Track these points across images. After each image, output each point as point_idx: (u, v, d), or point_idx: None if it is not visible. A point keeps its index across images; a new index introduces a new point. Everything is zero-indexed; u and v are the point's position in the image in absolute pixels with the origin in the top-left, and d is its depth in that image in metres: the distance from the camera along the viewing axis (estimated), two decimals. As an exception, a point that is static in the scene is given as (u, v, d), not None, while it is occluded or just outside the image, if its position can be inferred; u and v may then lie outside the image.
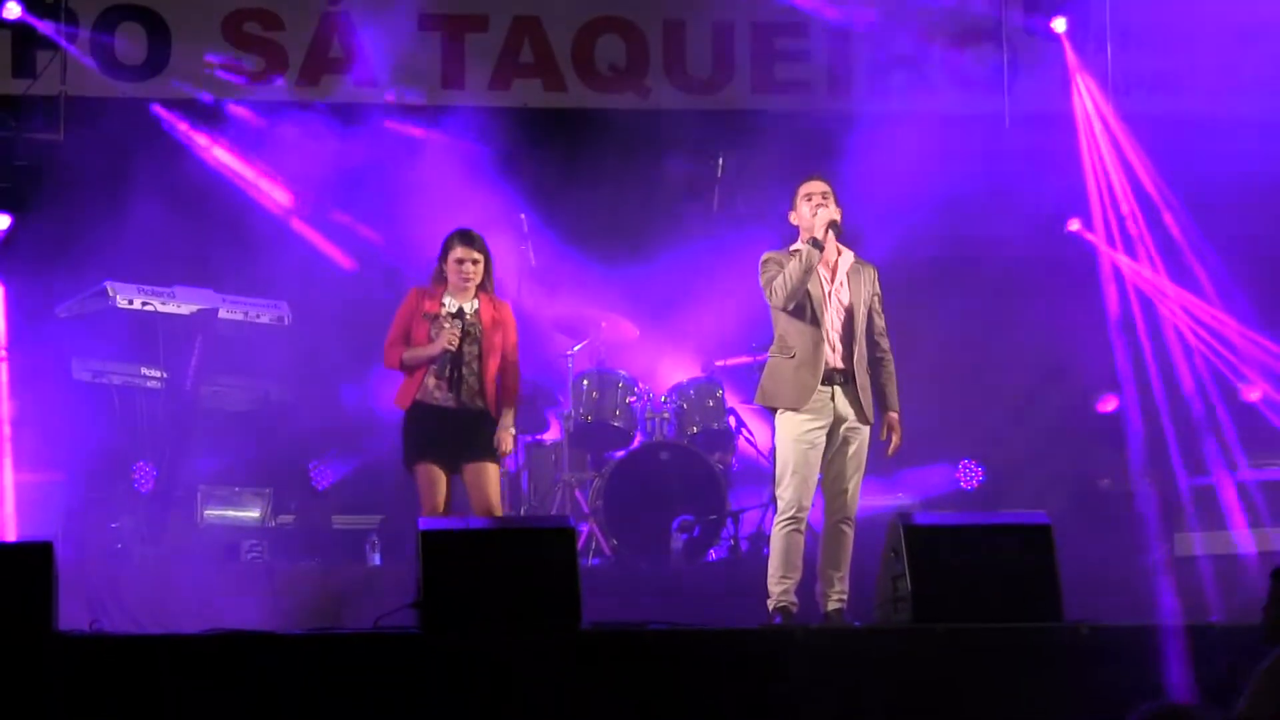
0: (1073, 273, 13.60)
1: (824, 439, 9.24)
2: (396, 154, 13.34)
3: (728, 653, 7.97)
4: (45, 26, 13.13)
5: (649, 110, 13.91)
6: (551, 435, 12.78)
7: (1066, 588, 8.51)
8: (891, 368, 9.52)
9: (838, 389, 9.27)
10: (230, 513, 12.41)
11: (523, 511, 12.40)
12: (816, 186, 9.47)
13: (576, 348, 12.75)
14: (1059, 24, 13.77)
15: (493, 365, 9.85)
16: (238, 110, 13.44)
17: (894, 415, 9.46)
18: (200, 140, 13.29)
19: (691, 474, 12.11)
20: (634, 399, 12.55)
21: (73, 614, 8.40)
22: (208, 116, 13.38)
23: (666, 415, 12.55)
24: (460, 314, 9.83)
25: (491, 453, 9.84)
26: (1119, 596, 10.76)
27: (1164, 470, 12.58)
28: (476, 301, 9.90)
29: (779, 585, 9.18)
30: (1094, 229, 13.59)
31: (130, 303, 11.73)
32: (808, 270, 9.21)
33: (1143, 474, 12.88)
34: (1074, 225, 13.67)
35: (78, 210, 13.03)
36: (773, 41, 14.08)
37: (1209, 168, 13.13)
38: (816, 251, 9.25)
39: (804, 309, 9.28)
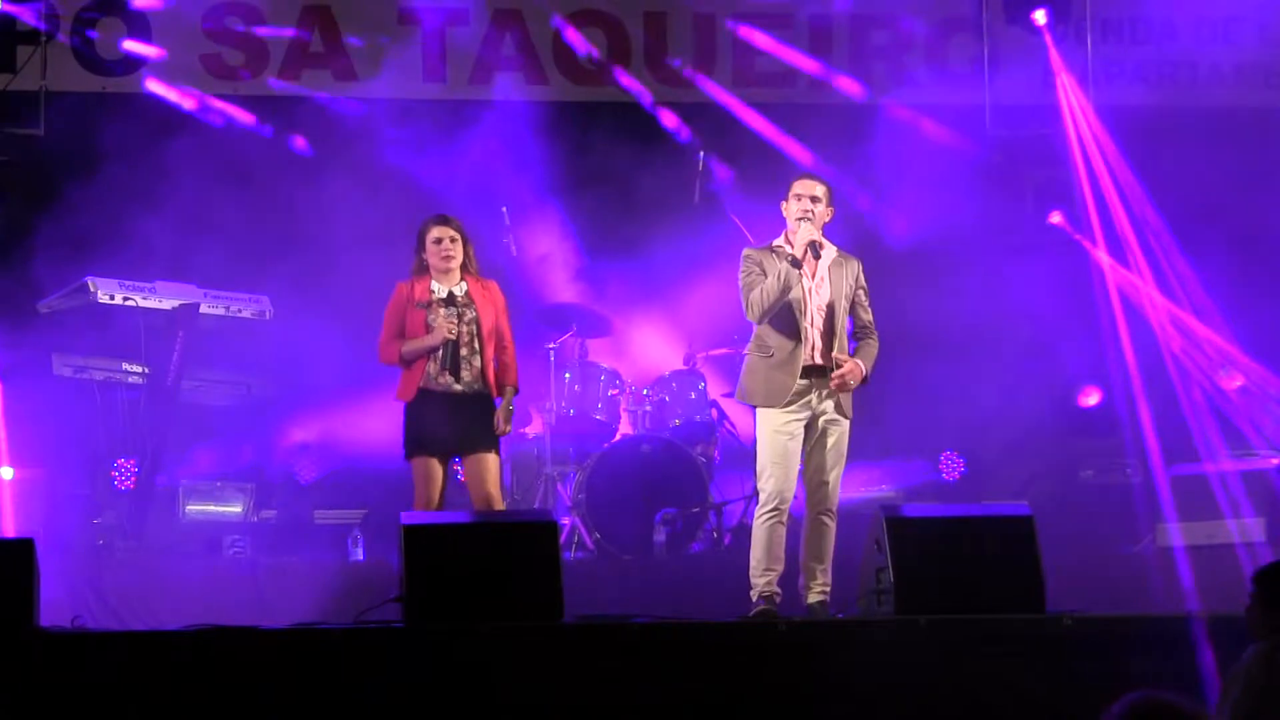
0: (1054, 265, 13.62)
1: (803, 430, 9.26)
2: (380, 148, 13.32)
3: (711, 645, 7.98)
4: (26, 13, 13.10)
5: (629, 103, 13.91)
6: (533, 429, 12.77)
7: (1049, 578, 8.52)
8: (873, 349, 9.49)
9: (817, 381, 9.28)
10: (212, 508, 12.39)
11: (506, 505, 12.39)
12: (808, 187, 9.45)
13: (558, 341, 12.74)
14: (1040, 16, 13.77)
15: (490, 345, 9.89)
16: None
17: (856, 360, 9.39)
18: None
19: (674, 467, 12.11)
20: (616, 392, 12.55)
21: (55, 610, 8.39)
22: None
23: (648, 408, 12.55)
24: (451, 298, 9.86)
25: (491, 443, 9.85)
26: (1101, 587, 10.78)
27: (1145, 461, 12.60)
28: (464, 284, 9.94)
29: (762, 577, 9.20)
30: (1075, 222, 13.61)
31: (111, 298, 11.70)
32: (785, 290, 9.21)
33: (1124, 464, 12.91)
34: (1055, 218, 13.69)
35: (58, 205, 13.00)
36: (753, 34, 14.08)
37: (1189, 159, 13.16)
38: (795, 271, 9.25)
39: (783, 310, 9.29)
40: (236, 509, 12.47)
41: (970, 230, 13.37)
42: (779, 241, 9.43)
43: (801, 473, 9.33)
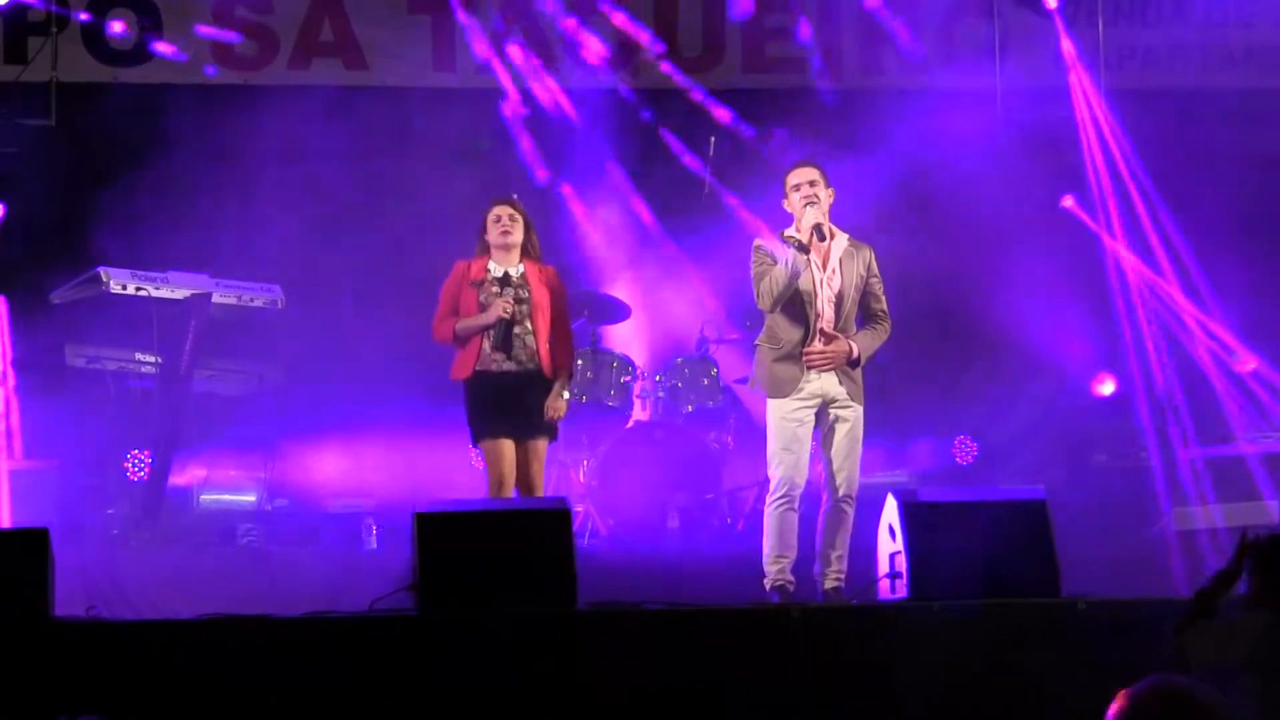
0: (1068, 249, 13.60)
1: (812, 417, 9.25)
2: (391, 135, 13.31)
3: (724, 632, 7.97)
4: (36, 2, 13.12)
5: (640, 90, 13.89)
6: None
7: (1063, 563, 8.51)
8: (879, 334, 9.46)
9: (827, 370, 9.26)
10: (226, 497, 12.41)
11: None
12: (805, 174, 9.45)
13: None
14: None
15: (543, 326, 9.90)
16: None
17: (850, 343, 9.35)
18: None
19: (687, 453, 12.11)
20: (629, 378, 12.55)
21: (70, 600, 8.39)
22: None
23: (661, 394, 12.55)
24: (506, 279, 9.89)
25: (546, 428, 9.88)
26: (1116, 571, 10.76)
27: (1161, 444, 12.59)
28: (522, 266, 9.97)
29: (774, 564, 9.20)
30: (1087, 206, 13.60)
31: (124, 288, 11.69)
32: (794, 276, 9.20)
33: (1140, 448, 12.89)
34: (1068, 202, 13.67)
35: (70, 196, 13.01)
36: (763, 20, 14.06)
37: (1201, 141, 13.14)
38: (803, 257, 9.24)
39: (794, 301, 9.28)
40: (250, 498, 12.48)
41: (983, 214, 13.35)
42: (789, 231, 9.42)
43: (819, 460, 9.34)
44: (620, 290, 13.32)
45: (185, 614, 8.05)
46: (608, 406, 12.46)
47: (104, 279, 11.64)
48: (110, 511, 11.73)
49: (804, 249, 9.25)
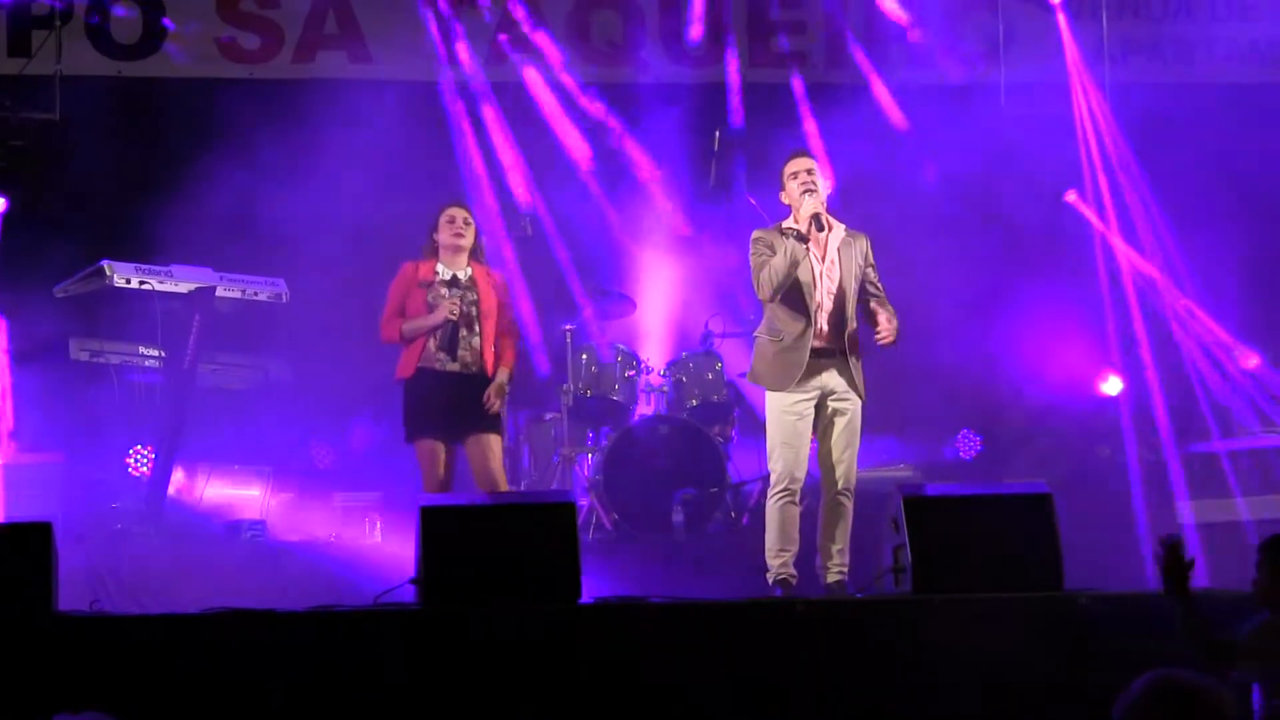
0: (1071, 243, 13.61)
1: (812, 410, 9.25)
2: (393, 131, 13.32)
3: (729, 625, 7.96)
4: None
5: (646, 84, 13.91)
6: (551, 410, 12.78)
7: (1066, 556, 8.50)
8: (888, 309, 9.42)
9: (826, 362, 9.26)
10: (230, 491, 12.42)
11: (522, 486, 12.41)
12: (801, 164, 9.46)
13: (575, 322, 12.75)
14: (1055, -7, 13.78)
15: (490, 331, 9.93)
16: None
17: (889, 317, 9.29)
18: None
19: (691, 447, 12.11)
20: (633, 373, 12.55)
21: (73, 594, 8.40)
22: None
23: (665, 388, 12.56)
24: (455, 281, 9.91)
25: (491, 423, 9.89)
26: (1119, 565, 10.77)
27: (1162, 439, 12.59)
28: (470, 269, 10.00)
29: (777, 558, 9.20)
30: (1089, 201, 13.61)
31: (128, 282, 11.68)
32: (793, 265, 9.19)
33: (1141, 442, 12.89)
34: (1071, 196, 13.67)
35: (74, 190, 13.01)
36: (767, 14, 14.07)
37: (1203, 134, 13.15)
38: (801, 246, 9.24)
39: (793, 293, 9.27)
40: (254, 492, 12.50)
41: (986, 208, 13.35)
42: (787, 223, 9.41)
43: (817, 455, 9.33)
44: (624, 285, 13.33)
45: (188, 608, 8.04)
46: (612, 401, 12.46)
47: (108, 273, 11.64)
48: (114, 506, 11.73)
49: (803, 239, 9.25)
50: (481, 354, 9.93)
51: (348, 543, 11.82)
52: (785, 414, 9.22)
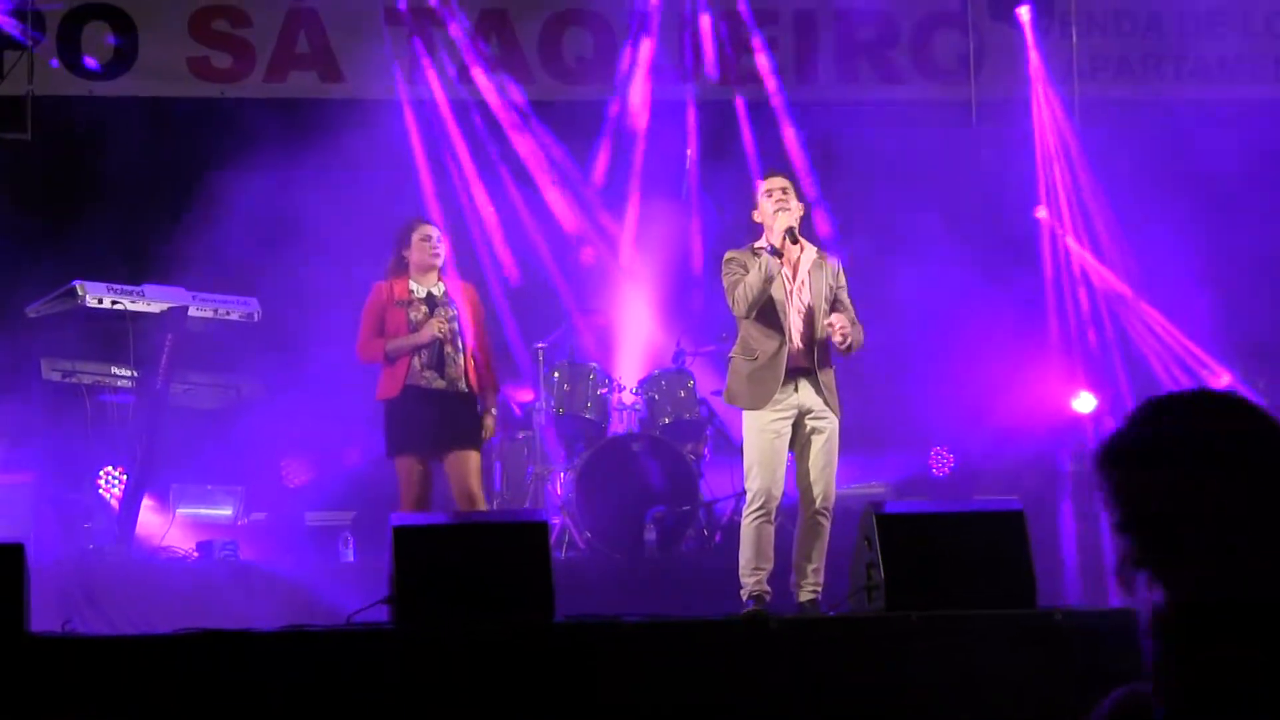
0: (1043, 259, 13.65)
1: (789, 428, 9.25)
2: (369, 149, 13.32)
3: (702, 644, 7.96)
4: (9, 24, 13.11)
5: (617, 100, 13.91)
6: (523, 428, 12.78)
7: (1039, 574, 8.52)
8: (861, 330, 9.41)
9: (801, 380, 9.28)
10: (202, 511, 12.40)
11: (495, 505, 12.40)
12: (776, 183, 9.48)
13: (548, 339, 12.75)
14: (1023, 12, 13.81)
15: (470, 343, 9.97)
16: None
17: (843, 318, 9.26)
18: None
19: (664, 465, 12.11)
20: (605, 390, 12.55)
21: (45, 615, 8.37)
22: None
23: (638, 406, 12.56)
24: (430, 298, 9.94)
25: (474, 440, 9.94)
26: (1092, 582, 10.78)
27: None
28: (442, 284, 10.02)
29: (752, 576, 9.20)
30: (1057, 218, 13.66)
31: (100, 301, 11.66)
32: (768, 280, 9.21)
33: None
34: (1041, 213, 13.72)
35: (46, 209, 13.00)
36: (739, 32, 14.09)
37: (1175, 151, 13.19)
38: (776, 260, 9.26)
39: (767, 311, 9.28)
40: (226, 511, 12.48)
41: (959, 225, 13.39)
42: (759, 243, 9.44)
43: (795, 474, 9.34)
44: (596, 302, 13.34)
45: (161, 629, 8.03)
46: (585, 419, 12.46)
47: (80, 292, 11.61)
48: (86, 526, 11.70)
49: (776, 253, 9.27)
50: (465, 369, 9.97)
51: (320, 561, 11.80)
52: (763, 432, 9.23)
